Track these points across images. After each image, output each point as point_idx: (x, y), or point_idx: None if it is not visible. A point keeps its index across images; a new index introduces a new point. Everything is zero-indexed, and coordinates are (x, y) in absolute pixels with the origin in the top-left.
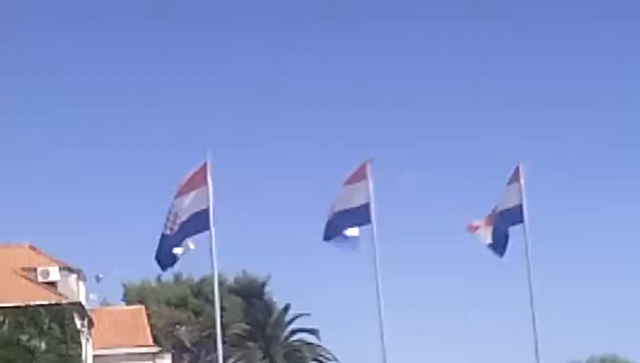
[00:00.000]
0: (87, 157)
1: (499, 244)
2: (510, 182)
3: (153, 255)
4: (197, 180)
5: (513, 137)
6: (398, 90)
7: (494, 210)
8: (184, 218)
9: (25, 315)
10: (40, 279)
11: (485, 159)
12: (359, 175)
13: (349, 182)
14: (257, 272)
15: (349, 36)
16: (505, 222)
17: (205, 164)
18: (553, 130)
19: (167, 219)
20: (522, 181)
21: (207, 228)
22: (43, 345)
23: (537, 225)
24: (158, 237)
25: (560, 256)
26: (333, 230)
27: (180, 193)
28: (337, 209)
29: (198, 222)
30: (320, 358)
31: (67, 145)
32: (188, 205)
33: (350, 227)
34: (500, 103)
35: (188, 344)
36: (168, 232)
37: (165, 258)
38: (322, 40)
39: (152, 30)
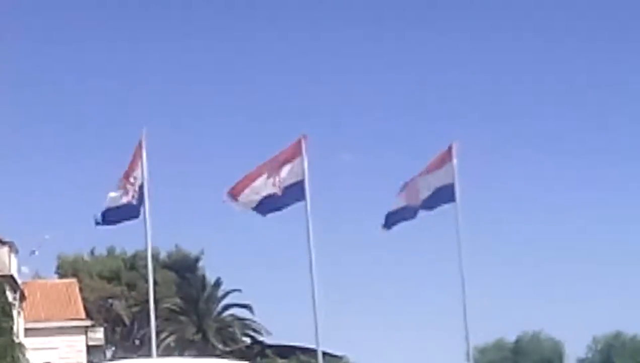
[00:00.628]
0: (20, 131)
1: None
2: (440, 162)
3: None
4: (135, 157)
5: (448, 116)
6: (333, 67)
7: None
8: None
9: None
10: None
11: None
12: (294, 152)
13: (285, 161)
14: (190, 247)
15: (285, 11)
16: (435, 200)
17: (140, 141)
18: (486, 111)
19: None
20: (454, 160)
21: (142, 203)
22: None
23: (467, 204)
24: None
25: (490, 235)
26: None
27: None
28: (285, 184)
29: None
30: (252, 333)
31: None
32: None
33: (289, 203)
34: (434, 83)
35: (121, 318)
36: (132, 201)
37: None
38: (259, 17)
39: (89, 7)
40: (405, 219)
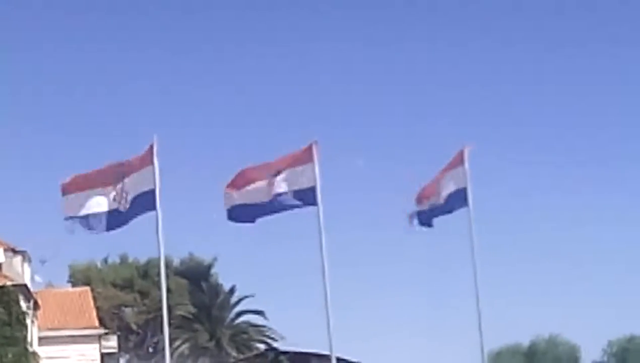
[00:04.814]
0: (31, 139)
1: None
2: (452, 166)
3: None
4: (143, 161)
5: (459, 121)
6: (344, 72)
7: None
8: (131, 197)
9: None
10: None
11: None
12: (305, 158)
13: (293, 164)
14: (203, 254)
15: (297, 16)
16: (447, 205)
17: (151, 146)
18: (500, 115)
19: (120, 196)
20: (466, 165)
21: (153, 208)
22: None
23: (480, 208)
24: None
25: (504, 238)
26: (273, 209)
27: (127, 173)
28: (281, 190)
29: (143, 202)
30: (266, 339)
31: (10, 123)
32: (135, 184)
33: (296, 207)
34: (447, 87)
35: (134, 326)
36: (122, 208)
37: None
38: (269, 20)
39: (101, 10)
40: (423, 223)
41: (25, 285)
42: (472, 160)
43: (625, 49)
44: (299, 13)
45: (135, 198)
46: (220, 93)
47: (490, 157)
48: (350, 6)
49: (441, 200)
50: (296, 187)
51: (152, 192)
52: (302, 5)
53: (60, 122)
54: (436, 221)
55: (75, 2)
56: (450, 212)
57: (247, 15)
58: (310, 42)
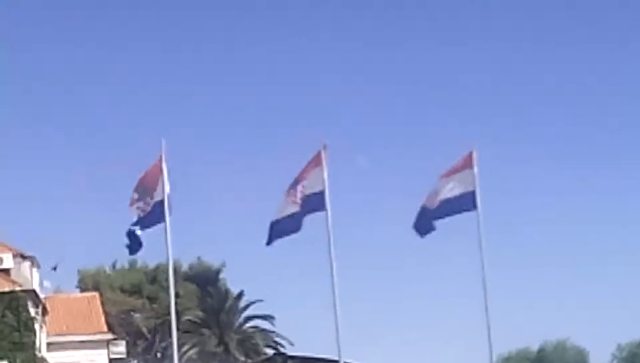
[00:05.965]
0: (41, 144)
1: (426, 224)
2: (461, 168)
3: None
4: (156, 173)
5: (466, 122)
6: (350, 74)
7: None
8: (149, 208)
9: None
10: None
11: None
12: (316, 162)
13: (310, 168)
14: (211, 259)
15: (301, 17)
16: (455, 207)
17: (160, 155)
18: (507, 117)
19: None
20: (475, 168)
21: (163, 218)
22: None
23: (488, 211)
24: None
25: (513, 242)
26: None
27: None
28: (305, 194)
29: (156, 213)
30: (274, 344)
31: (17, 127)
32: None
33: (308, 213)
34: (453, 87)
35: (142, 331)
36: (141, 214)
37: (134, 243)
38: (274, 21)
39: (103, 10)
40: (427, 231)
41: (34, 291)
42: (479, 162)
43: (630, 50)
44: (303, 14)
45: (154, 205)
46: (225, 96)
47: (499, 159)
48: (355, 6)
49: (438, 203)
50: (306, 193)
51: (161, 202)
52: (306, 5)
53: (69, 122)
54: (444, 223)
55: (78, 1)
56: (455, 213)
57: (252, 16)
58: (315, 43)
